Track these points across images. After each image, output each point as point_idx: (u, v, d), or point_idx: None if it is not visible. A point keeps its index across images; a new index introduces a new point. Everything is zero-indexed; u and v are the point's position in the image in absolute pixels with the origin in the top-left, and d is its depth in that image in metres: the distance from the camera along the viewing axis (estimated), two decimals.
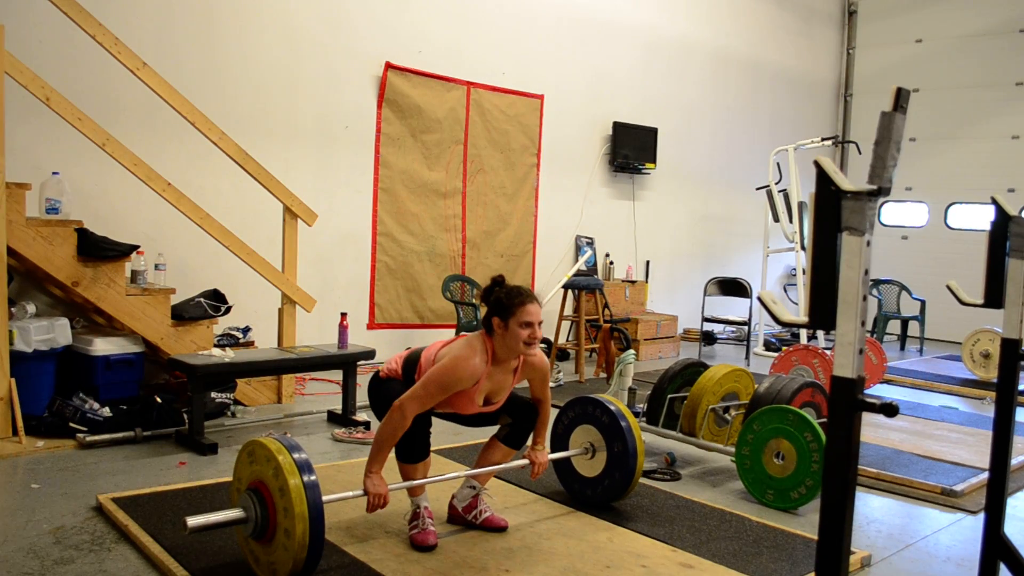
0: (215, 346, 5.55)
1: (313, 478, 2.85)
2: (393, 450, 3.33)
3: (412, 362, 3.52)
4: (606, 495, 3.95)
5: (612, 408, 3.93)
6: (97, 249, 5.11)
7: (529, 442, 3.71)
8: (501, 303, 3.33)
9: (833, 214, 1.92)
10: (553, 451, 4.10)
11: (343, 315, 5.63)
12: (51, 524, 3.54)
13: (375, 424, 5.08)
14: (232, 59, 6.57)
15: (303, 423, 5.48)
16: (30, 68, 4.79)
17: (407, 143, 7.68)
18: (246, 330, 6.12)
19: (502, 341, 3.34)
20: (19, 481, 4.11)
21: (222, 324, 5.99)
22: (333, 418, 5.54)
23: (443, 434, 5.14)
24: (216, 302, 5.77)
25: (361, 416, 5.40)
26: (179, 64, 6.18)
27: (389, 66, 7.47)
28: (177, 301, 5.63)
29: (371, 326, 7.57)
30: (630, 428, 3.88)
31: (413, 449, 3.34)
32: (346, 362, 5.50)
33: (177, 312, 5.52)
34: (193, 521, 2.83)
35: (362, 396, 5.72)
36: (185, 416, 5.01)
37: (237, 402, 5.62)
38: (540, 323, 3.37)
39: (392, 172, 7.59)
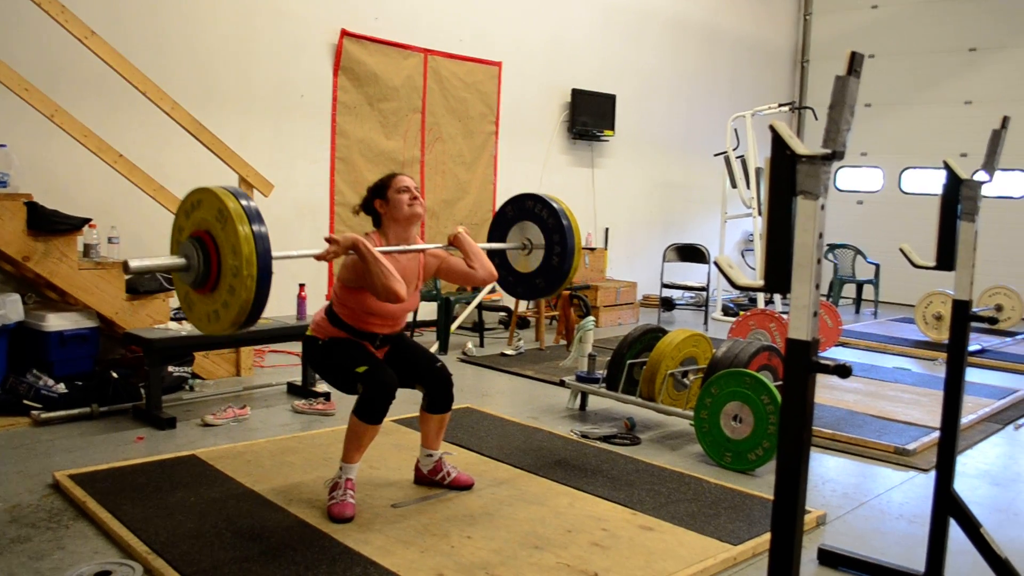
0: (172, 319, 5.48)
1: (263, 229, 2.69)
2: (355, 411, 3.36)
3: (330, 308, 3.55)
4: (537, 291, 3.97)
5: (555, 206, 3.87)
6: (48, 223, 5.00)
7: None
8: (375, 187, 3.55)
9: (788, 178, 1.93)
10: (491, 242, 4.06)
11: (301, 286, 5.59)
12: (6, 503, 3.49)
13: (335, 395, 5.08)
14: (184, 27, 6.44)
15: (263, 395, 5.45)
16: None
17: (364, 112, 7.60)
18: None
19: (390, 218, 3.49)
20: None
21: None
22: (293, 390, 5.51)
23: (404, 404, 5.13)
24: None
25: (321, 387, 5.37)
26: (129, 33, 6.03)
27: (345, 33, 7.36)
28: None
29: (330, 296, 7.51)
30: (571, 227, 3.84)
31: (372, 410, 3.34)
32: (305, 334, 5.45)
33: (132, 286, 5.44)
34: (134, 264, 2.71)
35: None
36: (142, 391, 4.95)
37: (195, 376, 5.57)
38: (417, 188, 3.51)
39: (349, 141, 7.51)
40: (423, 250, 3.61)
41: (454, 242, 3.67)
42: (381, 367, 3.39)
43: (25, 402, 4.73)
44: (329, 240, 3.16)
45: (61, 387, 4.90)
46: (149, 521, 3.25)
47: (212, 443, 4.38)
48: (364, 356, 3.43)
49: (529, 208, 3.94)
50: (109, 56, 5.16)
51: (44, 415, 4.64)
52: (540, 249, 3.92)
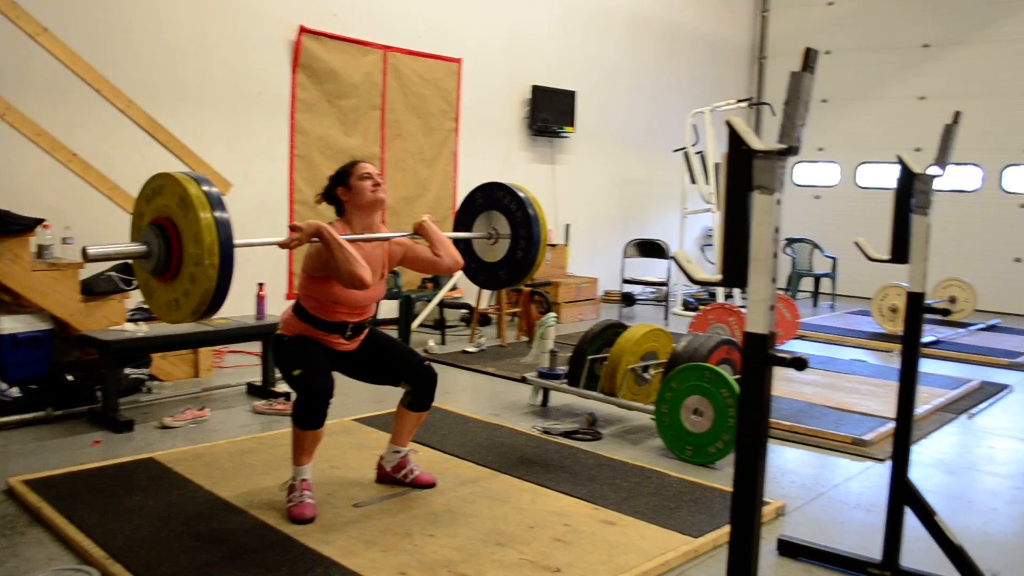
0: (128, 321, 5.40)
1: (226, 215, 2.66)
2: (292, 416, 3.33)
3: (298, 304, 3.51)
4: (499, 282, 3.97)
5: (521, 196, 3.86)
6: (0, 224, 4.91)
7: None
8: (336, 176, 3.52)
9: (744, 173, 1.95)
10: (458, 226, 4.04)
11: (260, 285, 5.54)
12: None
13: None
14: (140, 24, 6.34)
15: (222, 396, 5.39)
16: None
17: (323, 109, 7.54)
18: None
19: (353, 205, 3.47)
20: None
21: (135, 298, 5.83)
22: (253, 390, 5.46)
23: (365, 403, 5.12)
24: (128, 275, 5.60)
25: (281, 387, 5.33)
26: (83, 29, 5.92)
27: (303, 30, 7.30)
28: (87, 276, 5.45)
29: (290, 295, 7.46)
30: (536, 217, 3.83)
31: (303, 415, 3.30)
32: (264, 333, 5.42)
33: (87, 287, 5.35)
34: (93, 250, 2.67)
35: None
36: (98, 394, 4.88)
37: (153, 377, 5.50)
38: (379, 175, 3.50)
39: (308, 139, 7.45)
40: (388, 238, 3.58)
41: (419, 230, 3.65)
42: (315, 373, 3.32)
43: None
44: (293, 228, 3.13)
45: (15, 391, 4.81)
46: (106, 526, 3.20)
47: (170, 445, 4.33)
48: (309, 359, 3.37)
49: (498, 198, 3.91)
50: (62, 53, 5.07)
51: None
52: (506, 239, 3.90)
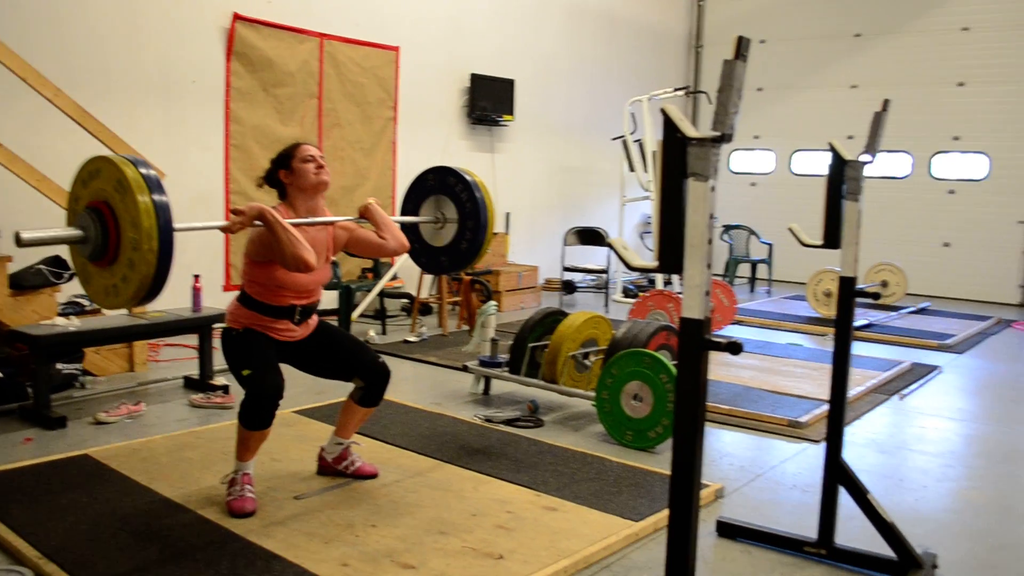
0: (59, 315, 5.27)
1: (164, 199, 2.60)
2: (239, 416, 3.28)
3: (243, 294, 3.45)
4: (440, 267, 3.99)
5: (468, 180, 3.85)
6: None
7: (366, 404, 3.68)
8: (279, 158, 3.46)
9: (679, 161, 1.97)
10: (405, 209, 4.03)
11: (196, 277, 5.45)
12: None
13: (234, 388, 4.97)
14: (66, 10, 6.16)
15: (159, 390, 5.30)
16: None
17: (259, 98, 7.42)
18: None
19: (296, 188, 3.41)
20: None
21: (66, 292, 5.69)
22: (190, 384, 5.38)
23: (306, 394, 5.07)
24: (58, 269, 5.47)
25: (219, 380, 5.25)
26: (7, 16, 5.75)
27: (237, 17, 7.17)
28: (16, 269, 5.31)
29: (228, 287, 7.35)
30: (483, 200, 3.83)
31: (251, 416, 3.25)
32: (201, 325, 5.34)
33: (16, 281, 5.21)
34: (27, 235, 2.61)
35: (219, 359, 5.58)
36: (29, 390, 4.76)
37: (86, 372, 5.38)
38: (322, 157, 3.46)
39: (244, 128, 7.34)
40: (332, 222, 3.54)
41: (365, 214, 3.61)
42: (265, 372, 3.27)
43: None
44: (235, 212, 3.08)
45: None
46: (40, 524, 3.13)
47: (105, 441, 4.24)
48: (259, 356, 3.31)
49: (450, 184, 3.88)
50: None
51: None
52: (453, 225, 3.88)
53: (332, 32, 7.95)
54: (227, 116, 7.21)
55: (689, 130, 1.95)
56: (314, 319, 3.60)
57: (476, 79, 9.38)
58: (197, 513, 3.29)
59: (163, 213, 2.57)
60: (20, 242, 2.59)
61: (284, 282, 3.33)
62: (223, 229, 3.08)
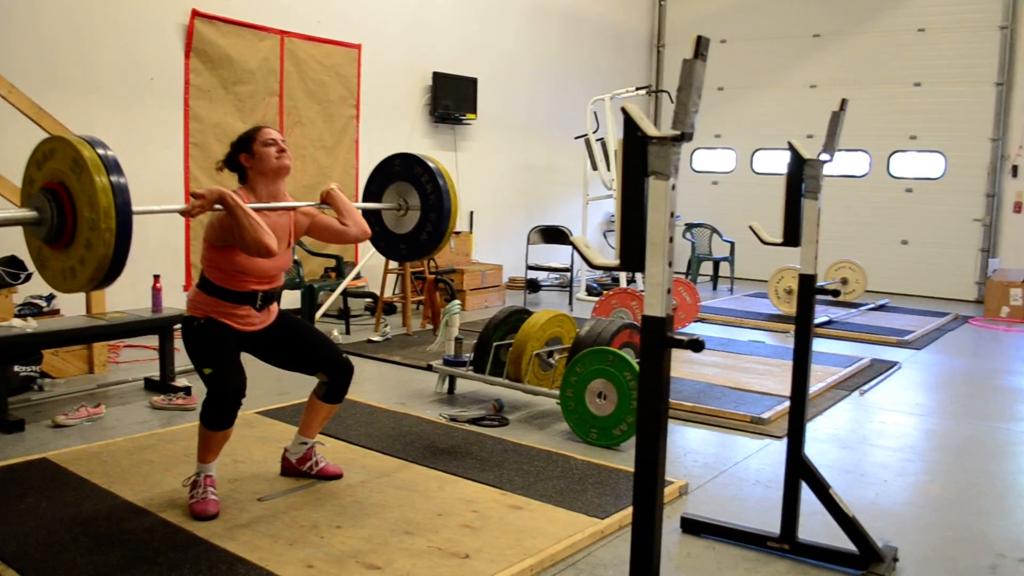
0: (16, 316, 5.19)
1: (122, 180, 2.56)
2: (201, 416, 3.26)
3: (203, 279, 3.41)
4: (398, 254, 3.98)
5: (434, 169, 3.83)
6: None
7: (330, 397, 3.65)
8: (239, 142, 3.43)
9: (640, 159, 1.98)
10: (368, 192, 4.01)
11: (156, 277, 5.38)
12: None
13: (196, 389, 4.92)
14: (23, 4, 6.06)
15: (119, 392, 5.22)
16: None
17: (219, 95, 7.35)
18: (50, 298, 5.75)
19: (257, 172, 3.38)
20: None
21: (23, 293, 5.60)
22: (151, 385, 5.31)
23: (269, 395, 5.03)
24: (14, 269, 5.38)
25: (181, 381, 5.19)
26: None
27: (196, 13, 7.09)
28: None
29: (188, 287, 7.27)
30: (447, 187, 3.81)
31: (213, 416, 3.23)
32: (161, 326, 5.27)
33: None
34: None
35: (180, 360, 5.52)
36: None
37: (44, 375, 5.29)
38: (283, 141, 3.44)
39: (204, 126, 7.26)
40: (295, 207, 3.50)
41: (327, 199, 3.59)
42: (228, 371, 3.23)
43: None
44: (195, 195, 3.05)
45: None
46: None
47: (65, 444, 4.17)
48: (222, 353, 3.28)
49: (416, 173, 3.86)
50: None
51: None
52: (416, 213, 3.86)
53: (293, 29, 7.89)
54: (186, 114, 7.13)
55: (650, 129, 1.96)
56: (275, 307, 3.56)
57: (438, 77, 9.36)
58: (159, 516, 3.25)
59: (121, 193, 2.53)
60: None
61: (245, 267, 3.30)
62: (182, 212, 3.05)
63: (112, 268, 2.57)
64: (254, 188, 3.40)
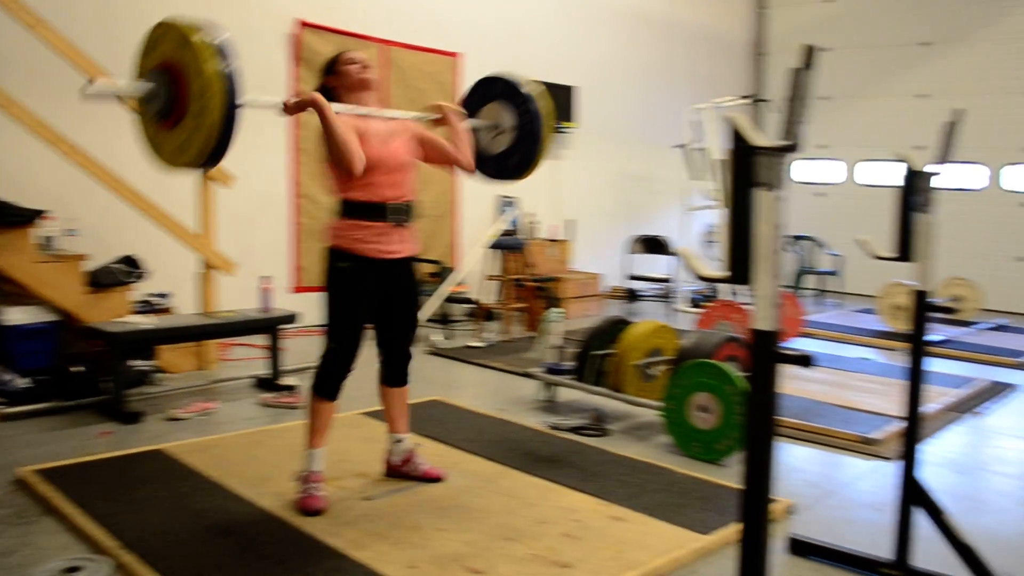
0: (133, 313, 5.42)
1: (232, 68, 2.75)
2: (311, 386, 3.40)
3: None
4: (498, 174, 3.97)
5: (520, 85, 3.84)
6: (1, 215, 4.92)
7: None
8: (326, 66, 3.53)
9: (747, 170, 1.95)
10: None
11: (265, 279, 5.54)
12: None
13: (302, 389, 5.04)
14: (139, 16, 6.28)
15: (229, 389, 5.40)
16: None
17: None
18: (165, 296, 5.98)
19: (343, 88, 3.45)
20: None
21: (140, 290, 5.84)
22: (260, 383, 5.47)
23: (372, 396, 5.11)
24: (131, 268, 5.62)
25: (288, 380, 5.34)
26: (79, 21, 5.90)
27: (302, 24, 7.30)
28: (91, 268, 5.46)
29: (296, 289, 7.47)
30: (538, 112, 3.81)
31: (327, 385, 3.39)
32: (270, 326, 5.43)
33: (92, 279, 5.36)
34: (94, 88, 2.76)
35: (289, 360, 5.69)
36: (105, 385, 4.89)
37: (159, 370, 5.51)
38: (366, 59, 3.49)
39: (310, 132, 7.43)
40: (397, 117, 3.56)
41: (441, 111, 3.65)
42: (344, 349, 3.36)
43: None
44: (297, 94, 3.18)
45: (23, 382, 4.83)
46: (118, 516, 3.22)
47: (179, 437, 4.34)
48: (347, 320, 3.38)
49: (500, 91, 3.89)
50: (60, 44, 5.08)
51: (7, 410, 4.57)
52: (508, 137, 3.88)
53: (394, 38, 8.05)
54: (296, 121, 7.33)
55: (756, 139, 1.93)
56: (412, 236, 3.54)
57: None
58: (268, 510, 3.35)
59: (226, 56, 2.74)
60: (89, 93, 2.72)
61: (370, 161, 3.31)
62: (282, 104, 3.15)
63: (222, 136, 2.71)
64: (343, 103, 3.43)
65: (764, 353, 1.97)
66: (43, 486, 3.49)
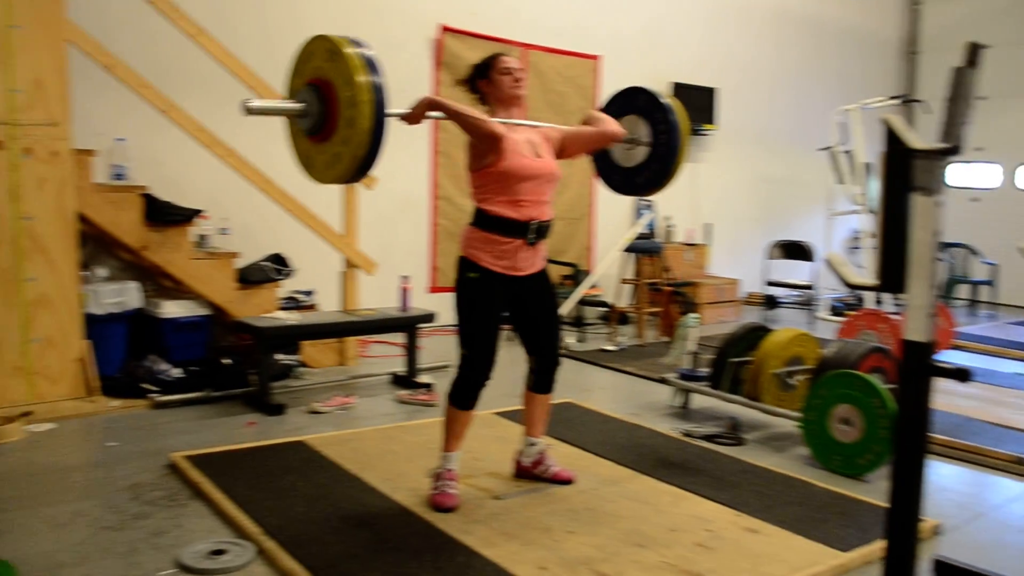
0: (279, 309, 5.64)
1: (381, 81, 2.84)
2: (448, 395, 3.44)
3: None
4: (638, 187, 3.93)
5: (663, 102, 3.80)
6: (162, 214, 5.20)
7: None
8: (479, 66, 3.52)
9: (903, 174, 1.87)
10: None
11: (404, 278, 5.67)
12: (128, 480, 3.65)
13: (438, 387, 5.14)
14: (287, 23, 6.57)
15: (367, 385, 5.55)
16: (93, 37, 4.87)
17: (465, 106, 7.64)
18: (309, 293, 6.21)
19: (494, 98, 3.47)
20: (96, 439, 4.24)
21: (286, 287, 6.08)
22: (396, 380, 5.60)
23: (507, 397, 5.17)
24: (279, 265, 5.85)
25: (424, 378, 5.45)
26: (235, 30, 6.18)
27: (444, 29, 7.43)
28: (242, 265, 5.72)
29: (432, 289, 7.61)
30: (677, 125, 3.77)
31: (463, 396, 3.40)
32: (408, 325, 5.55)
33: (242, 275, 5.62)
34: (254, 104, 2.89)
35: (425, 358, 5.80)
36: (252, 377, 5.11)
37: (302, 364, 5.72)
38: (521, 70, 3.47)
39: (450, 135, 7.58)
40: (538, 126, 3.57)
41: (587, 118, 3.67)
42: (479, 359, 3.37)
43: (143, 385, 4.93)
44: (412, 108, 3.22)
45: (177, 372, 5.10)
46: (261, 503, 3.35)
47: (319, 430, 4.49)
48: (480, 331, 3.39)
49: (639, 104, 3.86)
50: (217, 52, 5.33)
51: (161, 398, 4.84)
52: (643, 151, 3.86)
53: (535, 42, 8.09)
54: (435, 124, 7.48)
55: (914, 142, 1.85)
56: (543, 251, 3.55)
57: (677, 87, 9.27)
58: (402, 504, 3.42)
59: (372, 65, 2.84)
60: (248, 110, 2.86)
61: (513, 171, 3.31)
62: (402, 116, 3.19)
63: (372, 143, 2.84)
64: (492, 113, 3.48)
65: (917, 366, 1.89)
66: (193, 471, 3.67)
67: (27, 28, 4.49)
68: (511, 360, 3.96)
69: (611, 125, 3.59)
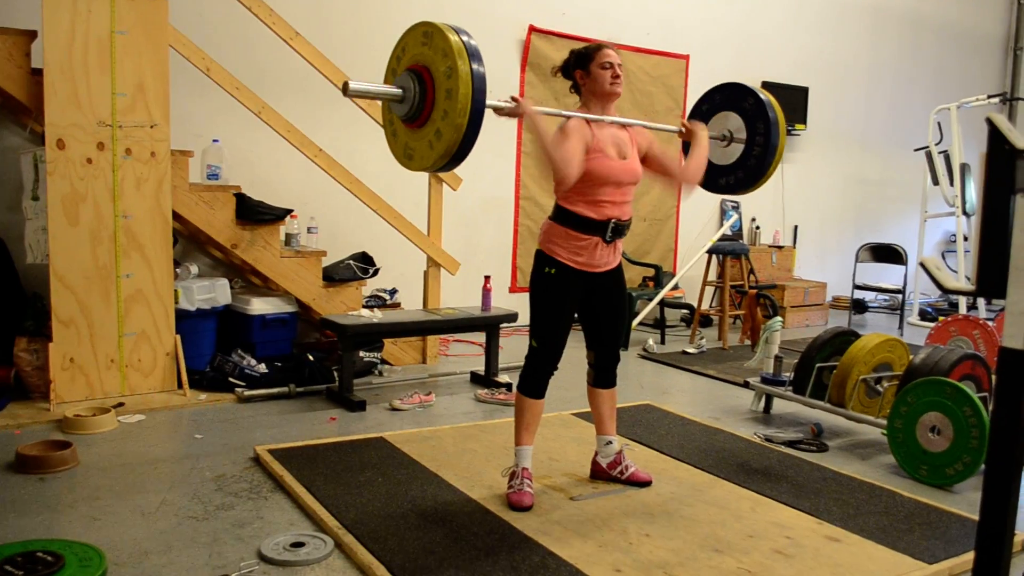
0: (363, 307, 5.73)
1: (481, 69, 2.82)
2: (517, 385, 3.47)
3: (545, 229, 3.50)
4: (731, 187, 3.87)
5: (762, 98, 3.74)
6: (254, 213, 5.33)
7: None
8: (580, 55, 3.45)
9: (1006, 175, 1.80)
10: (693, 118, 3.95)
11: (486, 278, 5.70)
12: (213, 472, 3.75)
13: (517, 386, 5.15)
14: (380, 27, 6.68)
15: (447, 383, 5.60)
16: (192, 41, 5.02)
17: (550, 106, 7.59)
18: (393, 292, 6.29)
19: (589, 91, 3.42)
20: (184, 431, 4.37)
21: (370, 286, 6.17)
22: (476, 379, 5.64)
23: (584, 397, 5.15)
24: (364, 264, 5.94)
25: (503, 378, 5.47)
26: (329, 34, 6.33)
27: (532, 29, 7.45)
28: (328, 263, 5.83)
29: (513, 289, 7.64)
30: (776, 121, 3.70)
31: (531, 385, 3.45)
32: (489, 324, 5.58)
33: (328, 274, 5.72)
34: (354, 85, 2.93)
35: (504, 358, 5.83)
36: (335, 374, 5.20)
37: (384, 361, 5.80)
38: (620, 65, 3.41)
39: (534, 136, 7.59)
40: (629, 124, 3.53)
41: (688, 127, 3.63)
42: (548, 352, 3.41)
43: (230, 380, 5.06)
44: (513, 99, 3.16)
45: (262, 367, 5.22)
46: (340, 498, 3.41)
47: (399, 427, 4.55)
48: (553, 324, 3.41)
49: (735, 100, 3.82)
50: (311, 56, 5.44)
51: (247, 392, 4.96)
52: (740, 144, 3.80)
53: (623, 41, 8.04)
54: (520, 124, 7.49)
55: (1020, 141, 1.78)
56: (620, 247, 3.53)
57: (767, 87, 9.11)
58: (479, 502, 3.44)
59: (473, 54, 2.82)
60: (347, 91, 2.90)
61: (595, 175, 3.29)
62: (495, 109, 3.13)
63: (466, 139, 2.85)
64: (586, 105, 3.46)
65: (1015, 374, 1.82)
66: (275, 465, 3.75)
67: (132, 34, 4.66)
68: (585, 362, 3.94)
69: (692, 174, 3.51)
